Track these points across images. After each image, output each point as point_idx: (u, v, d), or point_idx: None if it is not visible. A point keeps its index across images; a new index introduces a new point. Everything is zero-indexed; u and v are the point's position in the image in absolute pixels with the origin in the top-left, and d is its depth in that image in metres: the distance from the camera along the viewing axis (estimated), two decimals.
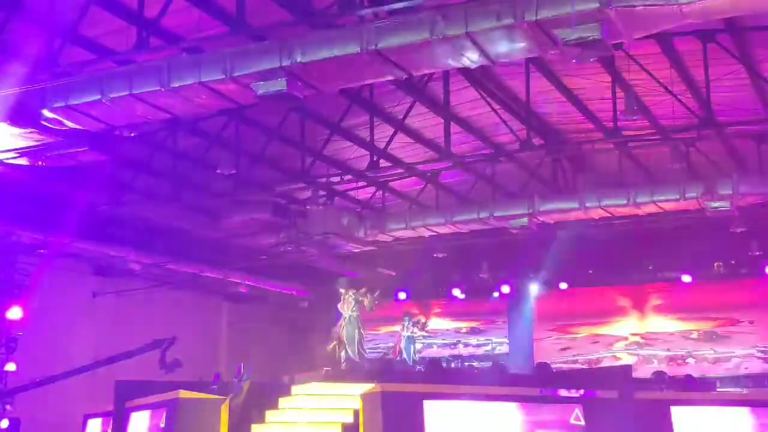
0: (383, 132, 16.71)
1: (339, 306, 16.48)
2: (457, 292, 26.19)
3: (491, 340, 26.48)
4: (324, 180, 16.86)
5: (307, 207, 18.66)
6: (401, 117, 16.40)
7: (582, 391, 13.27)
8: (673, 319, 24.48)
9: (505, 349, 26.10)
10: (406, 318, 18.99)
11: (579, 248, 23.53)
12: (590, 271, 24.64)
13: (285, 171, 18.27)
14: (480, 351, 26.50)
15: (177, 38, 12.25)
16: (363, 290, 16.36)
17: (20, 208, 17.56)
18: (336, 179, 17.24)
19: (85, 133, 11.95)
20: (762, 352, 23.47)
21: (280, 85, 10.48)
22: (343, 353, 15.78)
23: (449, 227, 18.92)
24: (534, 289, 25.43)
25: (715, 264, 22.99)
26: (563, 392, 13.22)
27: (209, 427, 13.75)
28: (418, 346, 19.96)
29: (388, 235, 19.82)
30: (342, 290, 16.45)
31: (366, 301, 16.18)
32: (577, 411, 13.03)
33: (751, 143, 16.66)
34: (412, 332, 18.62)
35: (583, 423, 12.96)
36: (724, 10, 9.21)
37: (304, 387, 14.17)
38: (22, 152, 12.43)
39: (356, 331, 15.90)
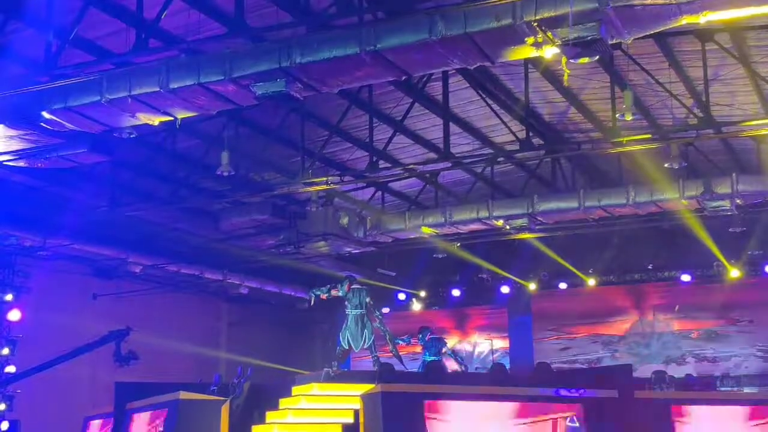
0: (382, 132, 16.72)
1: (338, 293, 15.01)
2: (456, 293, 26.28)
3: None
4: (323, 181, 16.85)
5: (307, 208, 18.65)
6: (400, 117, 16.40)
7: (582, 391, 13.28)
8: (673, 319, 24.48)
9: None
10: (427, 332, 17.65)
11: (579, 248, 23.61)
12: (590, 271, 24.66)
13: (284, 172, 18.27)
14: None
15: (176, 39, 12.25)
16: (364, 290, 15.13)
17: (20, 210, 17.56)
18: (335, 180, 17.22)
19: (85, 134, 11.94)
20: (762, 351, 23.47)
21: (279, 85, 10.47)
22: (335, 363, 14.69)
23: (449, 228, 18.92)
24: (533, 289, 25.44)
25: (715, 263, 22.99)
26: (563, 392, 13.22)
27: (210, 428, 13.77)
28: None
29: (387, 236, 19.82)
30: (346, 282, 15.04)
31: (369, 300, 14.84)
32: (575, 412, 13.05)
33: (750, 142, 16.68)
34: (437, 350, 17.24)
35: (578, 425, 12.98)
36: (722, 10, 9.22)
37: (305, 388, 14.16)
38: (22, 154, 12.42)
39: (363, 330, 14.69)
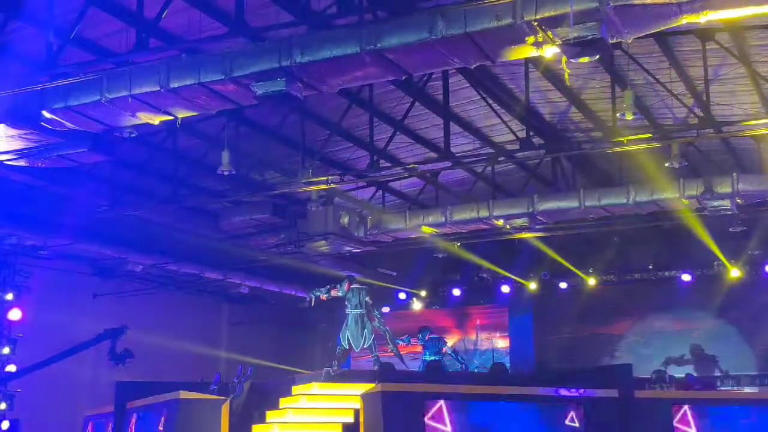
0: (383, 132, 16.72)
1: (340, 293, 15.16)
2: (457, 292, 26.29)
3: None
4: (324, 180, 16.85)
5: (307, 207, 18.65)
6: (401, 117, 16.40)
7: (582, 391, 13.28)
8: (674, 318, 24.48)
9: None
10: (426, 332, 17.96)
11: (579, 248, 23.62)
12: (590, 270, 24.66)
13: (285, 171, 18.28)
14: None
15: (176, 39, 12.28)
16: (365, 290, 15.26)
17: (20, 209, 17.57)
18: (336, 179, 17.22)
19: (85, 134, 11.95)
20: (762, 351, 23.47)
21: (279, 85, 10.46)
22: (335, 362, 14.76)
23: (449, 227, 18.92)
24: (534, 288, 25.44)
25: (715, 263, 22.99)
26: (563, 392, 13.23)
27: (210, 427, 13.78)
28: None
29: (388, 236, 19.82)
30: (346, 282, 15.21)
31: (369, 299, 15.03)
32: (575, 412, 13.06)
33: (751, 142, 16.69)
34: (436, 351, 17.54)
35: (578, 425, 12.99)
36: (722, 10, 9.22)
37: (305, 387, 14.17)
38: (22, 153, 12.42)
39: (363, 330, 14.79)
